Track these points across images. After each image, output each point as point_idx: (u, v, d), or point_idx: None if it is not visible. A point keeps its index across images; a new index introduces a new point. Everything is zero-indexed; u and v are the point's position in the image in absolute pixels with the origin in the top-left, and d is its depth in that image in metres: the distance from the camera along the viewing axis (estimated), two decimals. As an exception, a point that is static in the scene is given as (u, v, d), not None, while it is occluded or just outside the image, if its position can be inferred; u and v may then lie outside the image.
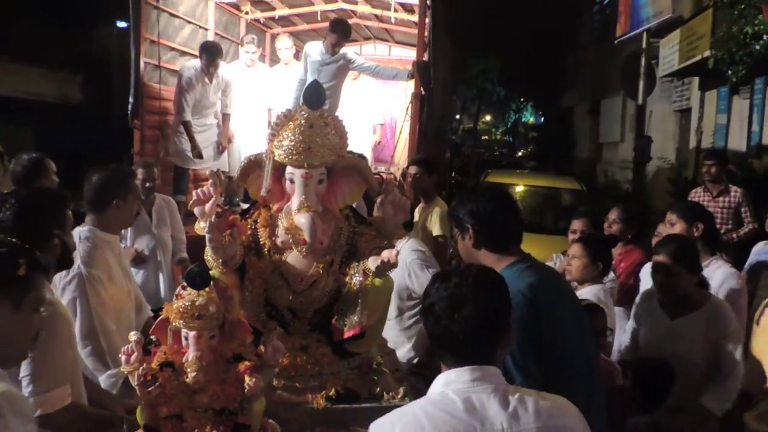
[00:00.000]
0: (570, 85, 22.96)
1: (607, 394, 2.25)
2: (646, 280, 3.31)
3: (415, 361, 3.33)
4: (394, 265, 1.96)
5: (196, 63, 5.71)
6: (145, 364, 1.65)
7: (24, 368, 1.85)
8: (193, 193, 1.96)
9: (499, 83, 29.97)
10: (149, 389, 1.61)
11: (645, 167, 10.35)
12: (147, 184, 4.18)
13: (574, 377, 1.93)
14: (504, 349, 1.51)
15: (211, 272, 1.82)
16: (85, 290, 2.50)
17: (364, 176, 2.13)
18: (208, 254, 1.94)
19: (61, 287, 2.49)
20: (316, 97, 2.06)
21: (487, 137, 39.03)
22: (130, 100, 5.53)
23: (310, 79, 5.45)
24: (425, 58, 5.77)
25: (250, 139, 6.12)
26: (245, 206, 3.24)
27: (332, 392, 2.01)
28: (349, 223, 2.16)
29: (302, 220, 1.98)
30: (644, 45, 9.89)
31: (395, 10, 6.85)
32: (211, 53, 5.60)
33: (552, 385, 1.65)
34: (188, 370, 1.64)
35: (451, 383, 1.44)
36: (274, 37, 7.63)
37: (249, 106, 6.25)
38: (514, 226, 2.10)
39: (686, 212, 3.40)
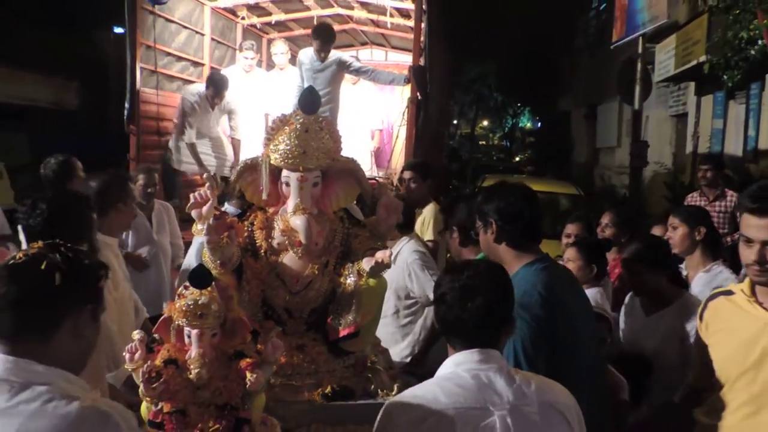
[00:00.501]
0: (566, 90, 23.06)
1: (613, 408, 2.30)
2: None
3: (409, 359, 3.36)
4: (388, 266, 2.01)
5: (200, 89, 5.75)
6: (149, 362, 1.69)
7: None
8: (191, 196, 2.00)
9: (496, 88, 30.07)
10: (154, 385, 1.65)
11: (642, 172, 10.41)
12: (148, 190, 4.21)
13: (582, 377, 1.96)
14: (506, 335, 1.67)
15: (211, 273, 1.85)
16: (105, 307, 2.52)
17: (358, 179, 2.18)
18: (206, 256, 1.98)
19: None
20: (311, 103, 2.10)
21: (484, 142, 39.08)
22: (126, 105, 5.56)
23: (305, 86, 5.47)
24: (421, 62, 5.81)
25: (248, 143, 6.17)
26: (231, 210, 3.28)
27: (328, 389, 2.05)
28: (344, 225, 2.20)
29: (298, 222, 2.01)
30: (640, 50, 9.94)
31: (391, 15, 6.87)
32: (218, 86, 5.66)
33: (559, 381, 1.70)
34: (191, 366, 1.69)
35: (460, 363, 1.59)
36: (270, 42, 7.68)
37: (246, 111, 6.29)
38: (537, 226, 2.17)
39: (688, 216, 3.38)
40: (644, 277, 2.90)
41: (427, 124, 5.89)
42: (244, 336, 1.80)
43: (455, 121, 31.67)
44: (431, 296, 3.38)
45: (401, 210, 2.21)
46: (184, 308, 1.70)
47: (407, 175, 4.54)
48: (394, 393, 2.09)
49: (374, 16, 7.25)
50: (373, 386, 2.13)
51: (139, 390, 1.68)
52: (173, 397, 1.68)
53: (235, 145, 6.14)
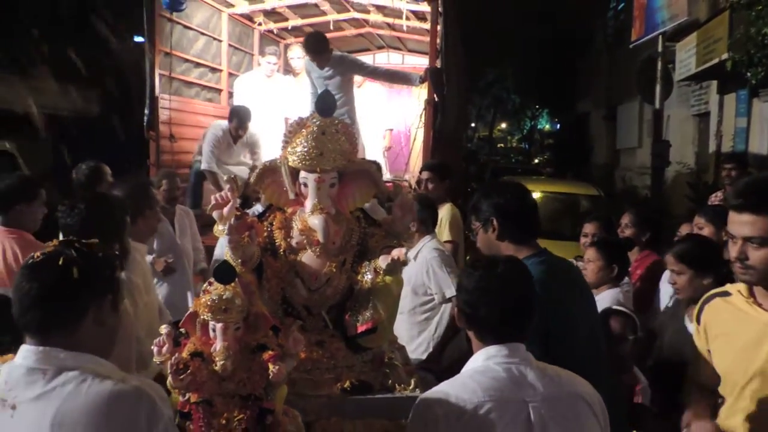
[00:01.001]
0: (585, 91, 22.85)
1: (628, 411, 2.30)
2: (665, 287, 3.29)
3: (425, 355, 3.40)
4: (404, 263, 2.06)
5: (225, 124, 5.82)
6: (176, 354, 1.77)
7: None
8: (212, 197, 2.06)
9: (513, 91, 29.94)
10: (181, 377, 1.73)
11: (664, 172, 10.27)
12: (171, 195, 4.30)
13: (578, 371, 1.97)
14: (530, 328, 1.70)
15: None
16: (123, 296, 2.59)
17: (374, 180, 2.23)
18: (228, 255, 2.04)
19: None
20: (327, 106, 2.16)
21: (502, 145, 38.90)
22: (146, 111, 5.68)
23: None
24: (438, 65, 5.83)
25: (268, 147, 6.25)
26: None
27: (347, 384, 2.10)
28: (360, 224, 2.25)
29: (316, 221, 2.07)
30: (660, 49, 9.81)
31: (407, 19, 6.93)
32: (241, 119, 5.74)
33: None
34: (216, 359, 1.75)
35: (491, 357, 1.63)
36: (287, 47, 7.77)
37: (266, 114, 6.39)
38: (534, 221, 2.23)
39: (715, 216, 3.29)
40: (687, 278, 2.74)
41: (444, 126, 5.91)
42: (266, 330, 1.86)
43: (473, 124, 31.59)
44: (447, 294, 3.43)
45: (416, 210, 2.25)
46: (209, 303, 1.78)
47: (425, 175, 4.57)
48: (411, 388, 2.14)
49: (390, 20, 7.30)
50: (390, 381, 2.17)
51: (167, 381, 1.75)
52: (200, 388, 1.75)
53: None
